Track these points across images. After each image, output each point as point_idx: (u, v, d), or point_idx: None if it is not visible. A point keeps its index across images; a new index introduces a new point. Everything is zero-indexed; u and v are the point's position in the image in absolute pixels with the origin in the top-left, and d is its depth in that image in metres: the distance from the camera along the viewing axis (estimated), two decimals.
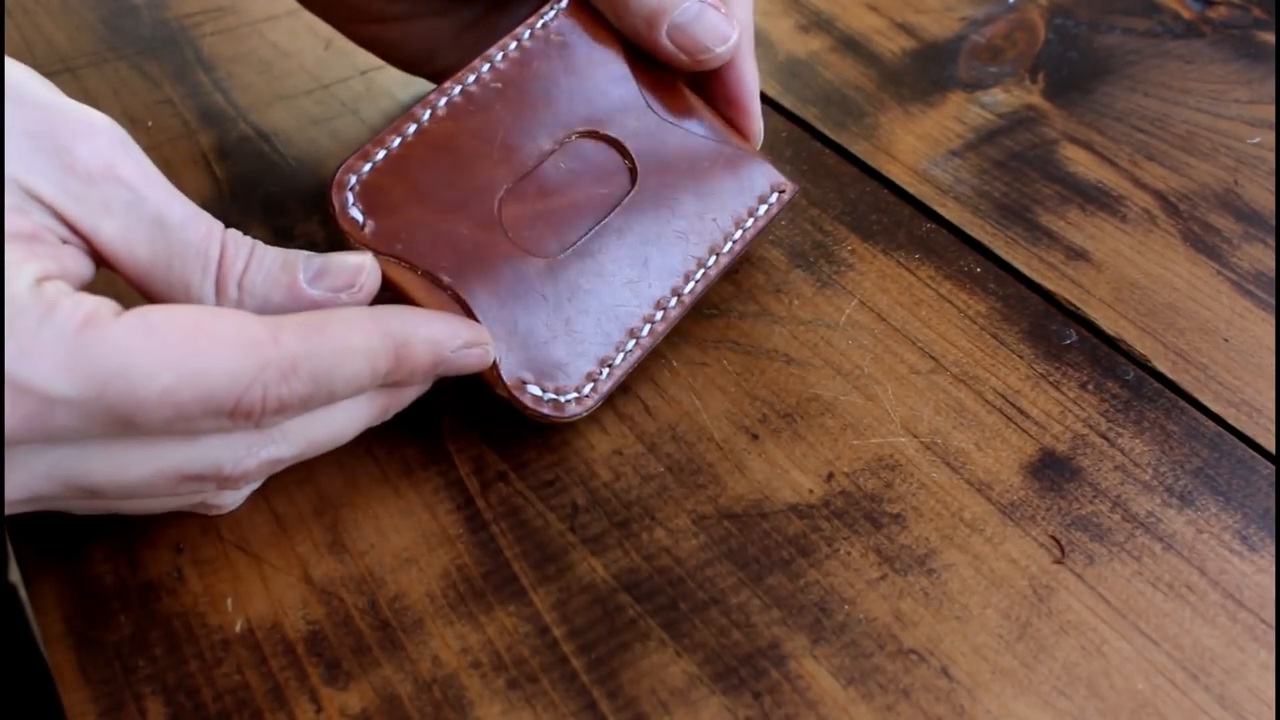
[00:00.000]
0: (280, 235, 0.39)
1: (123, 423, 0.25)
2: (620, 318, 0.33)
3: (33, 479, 0.26)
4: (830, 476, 0.32)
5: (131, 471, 0.26)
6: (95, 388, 0.24)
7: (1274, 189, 0.41)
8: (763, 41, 0.49)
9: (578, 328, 0.32)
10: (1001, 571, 0.29)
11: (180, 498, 0.28)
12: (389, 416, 0.31)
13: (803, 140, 0.44)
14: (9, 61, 0.27)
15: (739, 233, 0.35)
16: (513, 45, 0.35)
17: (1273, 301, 0.37)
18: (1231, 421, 0.33)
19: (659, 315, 0.33)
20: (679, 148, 0.35)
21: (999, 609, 0.29)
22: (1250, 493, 0.31)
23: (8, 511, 0.27)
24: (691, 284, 0.34)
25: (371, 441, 0.32)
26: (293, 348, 0.26)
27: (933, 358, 0.35)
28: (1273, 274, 0.38)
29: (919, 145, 0.43)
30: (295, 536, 0.30)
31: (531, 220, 0.33)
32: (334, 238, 0.35)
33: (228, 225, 0.28)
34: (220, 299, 0.28)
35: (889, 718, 0.27)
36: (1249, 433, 0.33)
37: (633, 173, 0.34)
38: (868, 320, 0.36)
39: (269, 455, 0.28)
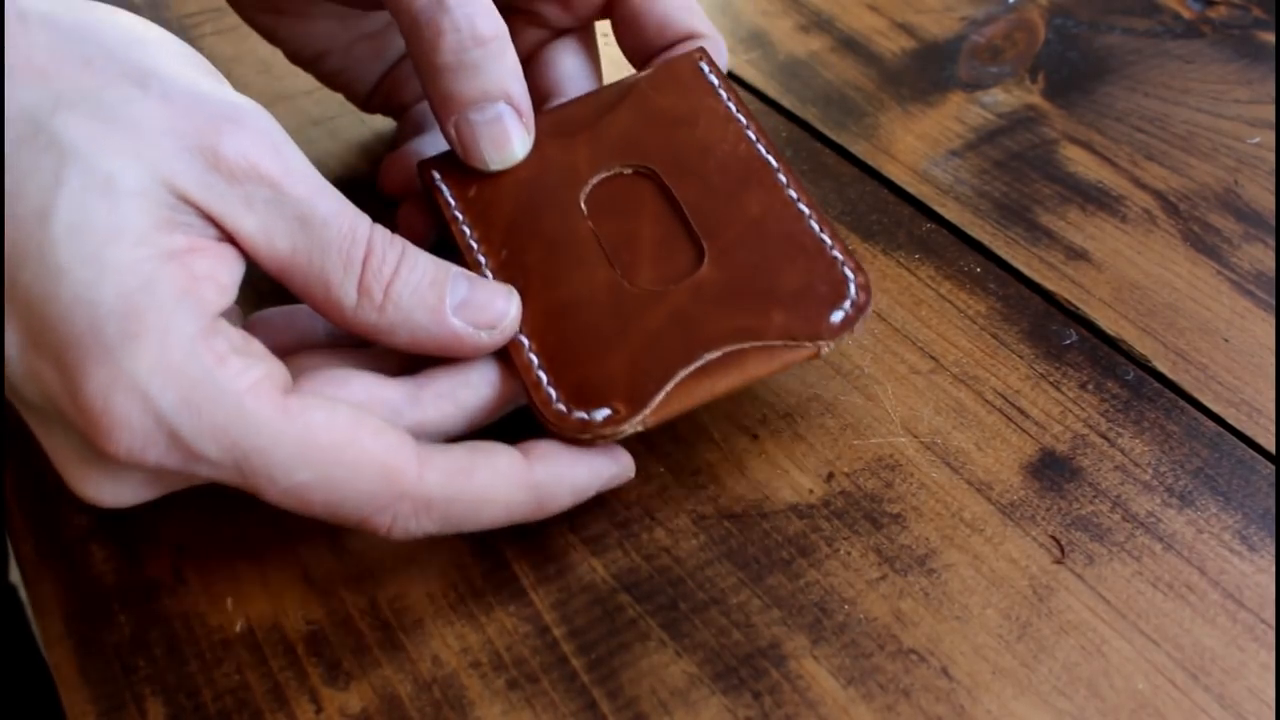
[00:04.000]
0: None
1: (251, 491, 0.26)
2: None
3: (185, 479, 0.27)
4: (830, 476, 0.32)
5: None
6: (235, 458, 0.25)
7: (1274, 189, 0.41)
8: (763, 42, 0.49)
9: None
10: (1001, 571, 0.29)
11: None
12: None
13: (803, 140, 0.44)
14: (165, 38, 0.27)
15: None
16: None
17: (1273, 301, 0.37)
18: (1231, 421, 0.33)
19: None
20: (748, 225, 0.32)
21: (999, 609, 0.29)
22: (1250, 493, 0.31)
23: (162, 493, 0.27)
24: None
25: None
26: (433, 490, 0.26)
27: (933, 358, 0.35)
28: (1273, 274, 0.38)
29: (919, 145, 0.43)
30: (295, 536, 0.30)
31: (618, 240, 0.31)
32: None
33: None
34: (363, 300, 0.27)
35: (889, 718, 0.27)
36: (1249, 433, 0.33)
37: (693, 238, 0.31)
38: (868, 320, 0.36)
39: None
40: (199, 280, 0.25)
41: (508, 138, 0.32)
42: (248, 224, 0.26)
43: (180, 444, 0.25)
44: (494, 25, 0.31)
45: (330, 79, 0.40)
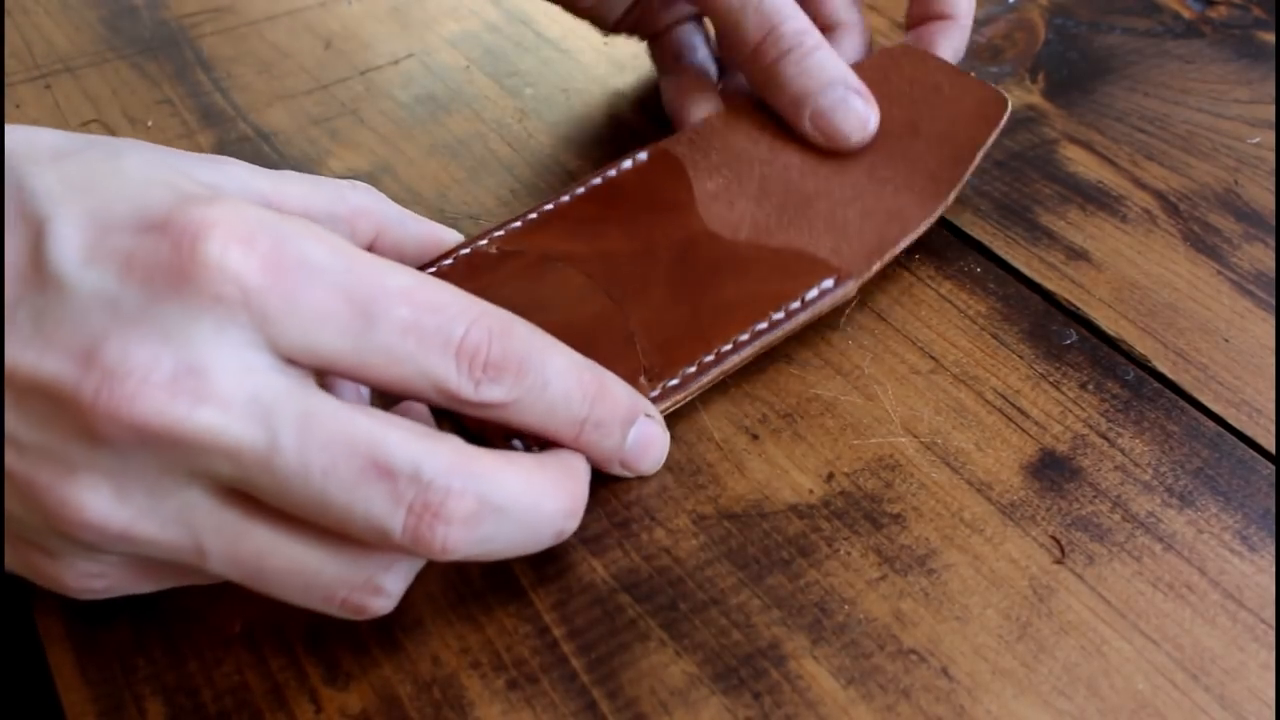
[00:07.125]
0: None
1: (364, 313, 0.25)
2: None
3: (178, 506, 0.24)
4: (830, 476, 0.32)
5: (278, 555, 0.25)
6: (347, 260, 0.25)
7: (1274, 189, 0.41)
8: None
9: None
10: (1001, 571, 0.29)
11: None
12: (569, 531, 0.28)
13: None
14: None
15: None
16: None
17: (1273, 301, 0.37)
18: (1231, 421, 0.33)
19: None
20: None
21: (999, 609, 0.29)
22: (1250, 493, 0.31)
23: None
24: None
25: None
26: (506, 314, 0.27)
27: (933, 358, 0.35)
28: (1273, 274, 0.38)
29: None
30: None
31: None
32: None
33: None
34: None
35: (889, 718, 0.27)
36: (1249, 433, 0.33)
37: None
38: (868, 320, 0.36)
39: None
40: None
41: (856, 113, 0.38)
42: None
43: (291, 254, 0.24)
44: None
45: (575, 4, 0.44)
